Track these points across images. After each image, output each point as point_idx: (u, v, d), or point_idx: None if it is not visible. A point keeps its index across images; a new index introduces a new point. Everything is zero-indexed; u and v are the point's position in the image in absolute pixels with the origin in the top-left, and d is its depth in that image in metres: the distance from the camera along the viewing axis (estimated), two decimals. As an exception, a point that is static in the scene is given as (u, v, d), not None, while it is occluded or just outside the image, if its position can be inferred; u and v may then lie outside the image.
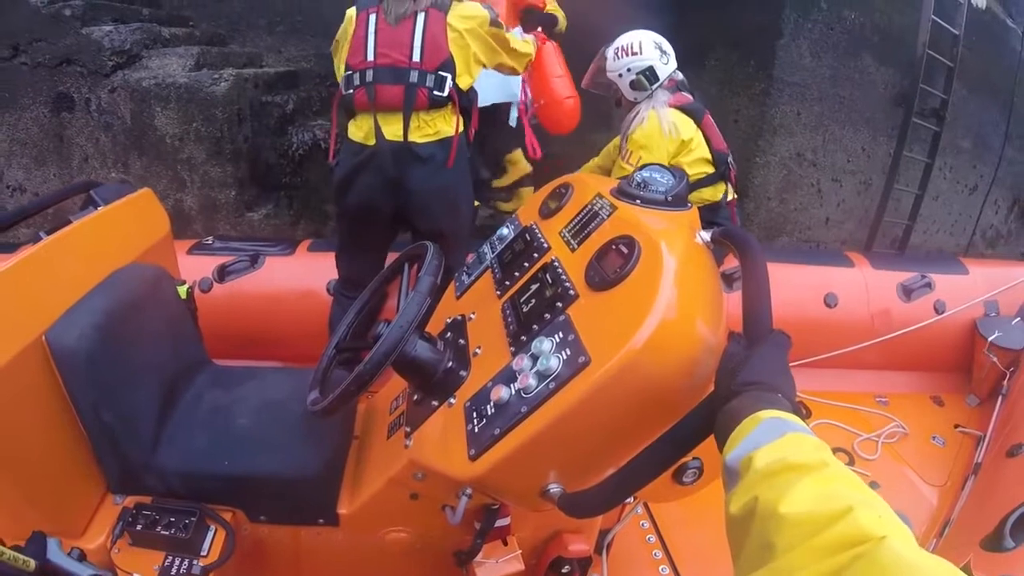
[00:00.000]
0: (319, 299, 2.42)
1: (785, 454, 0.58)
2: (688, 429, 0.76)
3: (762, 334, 0.78)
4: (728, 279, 2.48)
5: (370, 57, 1.95)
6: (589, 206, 1.25)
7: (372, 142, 1.98)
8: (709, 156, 2.31)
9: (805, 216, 3.73)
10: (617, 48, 2.33)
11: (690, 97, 2.35)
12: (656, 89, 2.30)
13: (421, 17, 1.94)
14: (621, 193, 1.22)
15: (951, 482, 2.17)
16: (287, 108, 3.16)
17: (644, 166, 1.29)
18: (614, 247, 1.02)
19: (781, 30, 3.30)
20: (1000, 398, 2.40)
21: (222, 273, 2.43)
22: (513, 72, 2.31)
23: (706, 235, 1.05)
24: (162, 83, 3.03)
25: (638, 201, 1.18)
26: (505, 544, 1.28)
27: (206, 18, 4.27)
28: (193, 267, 2.38)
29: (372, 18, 1.98)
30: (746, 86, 3.46)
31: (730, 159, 2.41)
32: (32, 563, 1.00)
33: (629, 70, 2.29)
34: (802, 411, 0.69)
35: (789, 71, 3.37)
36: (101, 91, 3.19)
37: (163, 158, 3.07)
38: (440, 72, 1.94)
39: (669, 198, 1.17)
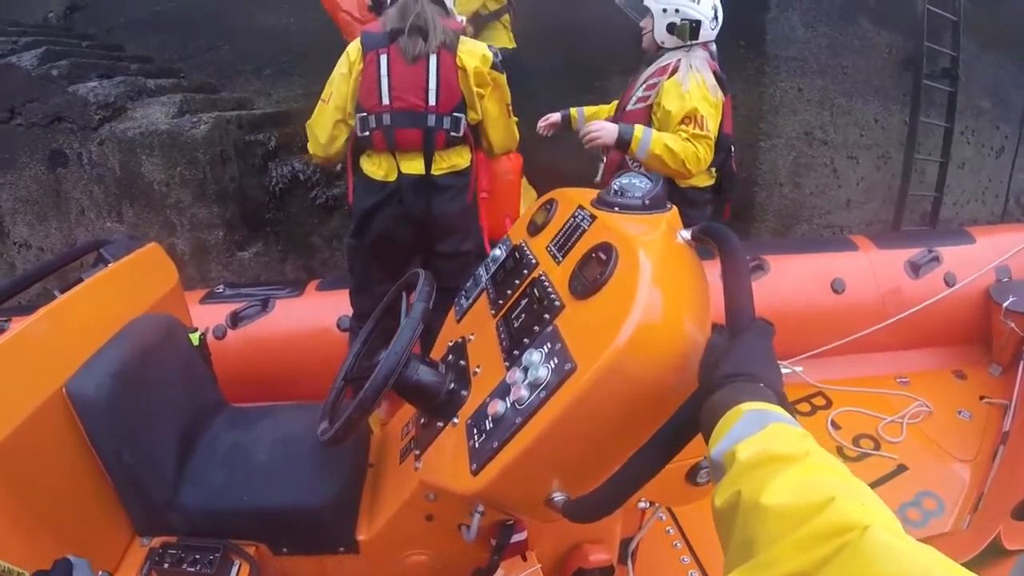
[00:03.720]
0: (330, 336, 2.57)
1: (767, 445, 0.60)
2: (676, 426, 0.81)
3: (744, 324, 0.83)
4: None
5: (385, 101, 2.06)
6: (571, 219, 1.34)
7: (392, 179, 2.14)
8: (715, 137, 2.28)
9: (823, 200, 3.69)
10: None
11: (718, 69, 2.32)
12: (692, 46, 2.25)
13: (433, 59, 2.05)
14: (600, 203, 1.31)
15: (981, 455, 2.22)
16: (270, 146, 3.35)
17: (621, 174, 1.37)
18: (594, 255, 1.10)
19: (767, 2, 3.30)
20: (1022, 363, 2.45)
21: (235, 319, 2.59)
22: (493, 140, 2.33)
23: (686, 233, 1.13)
24: (146, 131, 3.24)
25: (616, 208, 1.26)
26: (524, 559, 1.37)
27: (196, 68, 4.55)
28: (207, 315, 2.54)
29: (383, 59, 2.06)
30: (738, 67, 3.41)
31: (732, 148, 2.43)
32: (26, 574, 1.05)
33: (677, 11, 2.22)
34: (788, 402, 0.72)
35: (782, 46, 3.36)
36: (91, 144, 3.41)
37: (153, 204, 3.27)
38: (455, 113, 2.10)
39: (646, 202, 1.26)
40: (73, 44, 4.36)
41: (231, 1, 4.37)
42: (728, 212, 2.61)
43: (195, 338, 1.83)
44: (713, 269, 0.97)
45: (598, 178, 2.52)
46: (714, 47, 2.34)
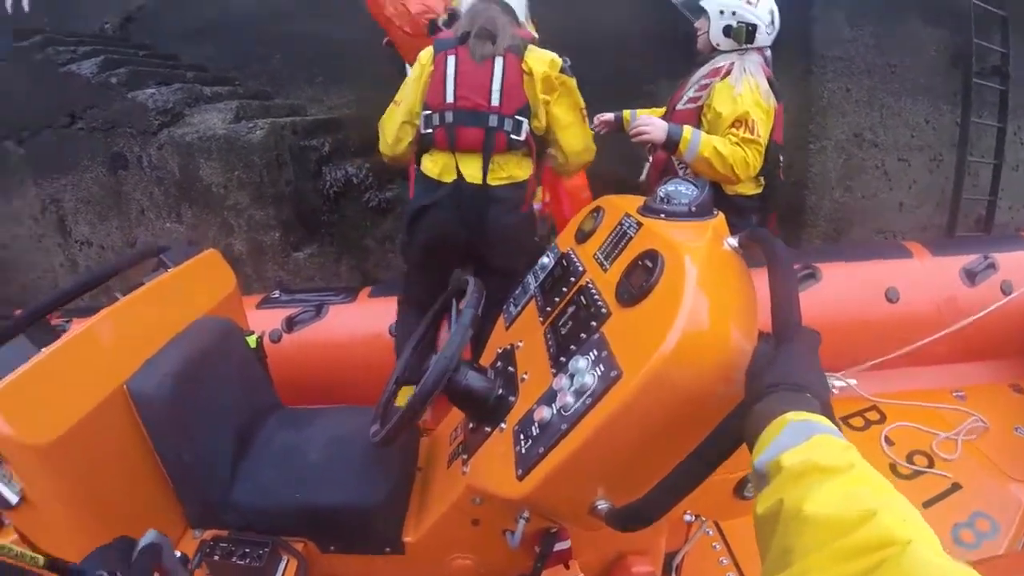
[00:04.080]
0: (382, 342, 2.61)
1: (812, 456, 0.60)
2: (721, 434, 0.81)
3: (790, 333, 0.83)
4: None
5: (449, 99, 2.09)
6: (618, 226, 1.35)
7: (448, 179, 2.14)
8: (766, 144, 2.25)
9: (875, 203, 3.61)
10: None
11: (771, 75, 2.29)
12: (747, 50, 2.22)
13: (500, 61, 2.08)
14: (647, 210, 1.31)
15: (1038, 475, 2.13)
16: (324, 151, 3.46)
17: (667, 180, 1.37)
18: (640, 262, 1.10)
19: (811, 1, 3.26)
20: (1085, 377, 2.35)
21: (290, 324, 2.67)
22: (562, 155, 2.29)
23: (733, 240, 1.13)
24: (203, 136, 3.37)
25: (663, 215, 1.26)
26: (567, 568, 1.37)
27: (250, 76, 4.73)
28: (264, 319, 2.62)
29: (451, 60, 2.11)
30: (784, 68, 3.31)
31: (782, 157, 2.37)
32: (40, 559, 1.08)
33: (734, 13, 2.19)
34: (833, 413, 0.71)
35: (828, 45, 3.30)
36: (151, 148, 3.58)
37: (211, 206, 3.40)
38: (517, 116, 2.09)
39: (693, 208, 1.26)
40: (130, 53, 4.59)
41: (283, 11, 4.50)
42: (773, 222, 2.55)
43: (252, 341, 1.89)
44: (761, 277, 0.97)
45: (643, 177, 2.50)
46: (769, 53, 2.31)
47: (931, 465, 2.22)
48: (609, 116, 2.51)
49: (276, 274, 3.33)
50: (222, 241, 3.39)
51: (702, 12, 2.26)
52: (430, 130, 2.13)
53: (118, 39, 5.16)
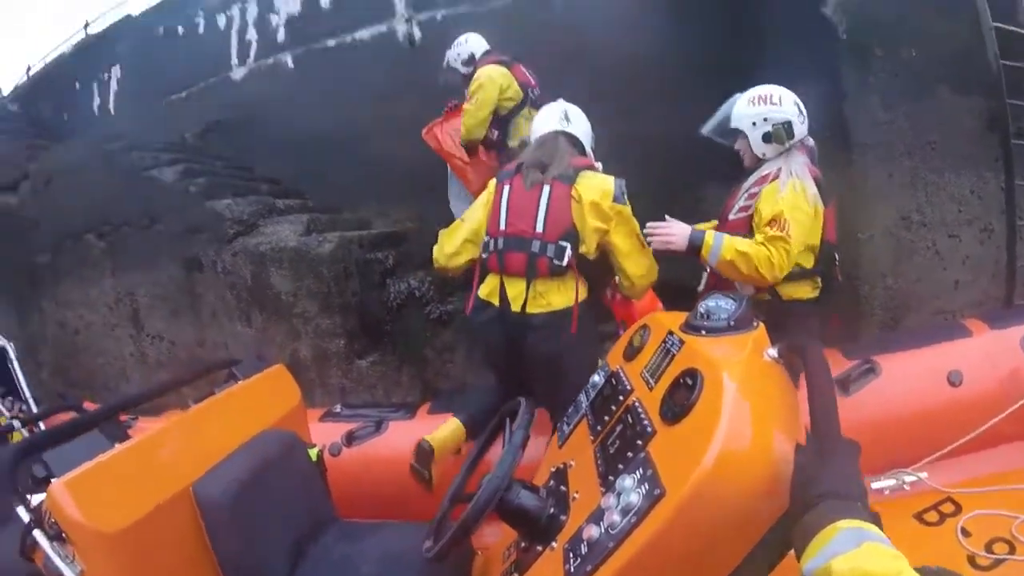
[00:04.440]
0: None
1: (862, 563, 0.64)
2: (769, 545, 0.84)
3: (831, 444, 0.87)
4: (844, 384, 2.41)
5: (502, 226, 2.23)
6: (663, 344, 1.41)
7: (496, 302, 2.25)
8: (817, 245, 2.25)
9: (929, 285, 3.53)
10: (753, 97, 2.29)
11: (819, 174, 2.29)
12: (792, 148, 2.25)
13: (547, 188, 2.19)
14: (688, 327, 1.38)
15: None
16: (388, 264, 3.71)
17: (707, 296, 1.43)
18: (682, 380, 1.15)
19: (844, 91, 3.32)
20: None
21: (350, 438, 2.74)
22: (629, 274, 2.32)
23: (773, 351, 1.18)
24: (276, 247, 3.65)
25: (703, 332, 1.32)
26: None
27: (321, 191, 5.14)
28: (324, 433, 2.70)
29: (506, 189, 2.27)
30: (826, 162, 3.25)
31: (837, 256, 2.34)
32: None
33: (765, 120, 2.24)
34: (879, 518, 0.75)
35: (866, 132, 3.33)
36: (225, 255, 3.88)
37: (280, 312, 3.63)
38: (561, 242, 2.16)
39: (732, 322, 1.32)
40: (209, 163, 5.06)
41: (352, 131, 4.91)
42: (836, 323, 2.53)
43: (313, 454, 1.98)
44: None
45: (701, 287, 2.50)
46: (811, 142, 2.35)
47: (1012, 551, 1.97)
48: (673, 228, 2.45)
49: (339, 381, 3.49)
50: (288, 346, 3.59)
51: (736, 132, 2.33)
52: (485, 255, 2.27)
53: (197, 148, 5.72)
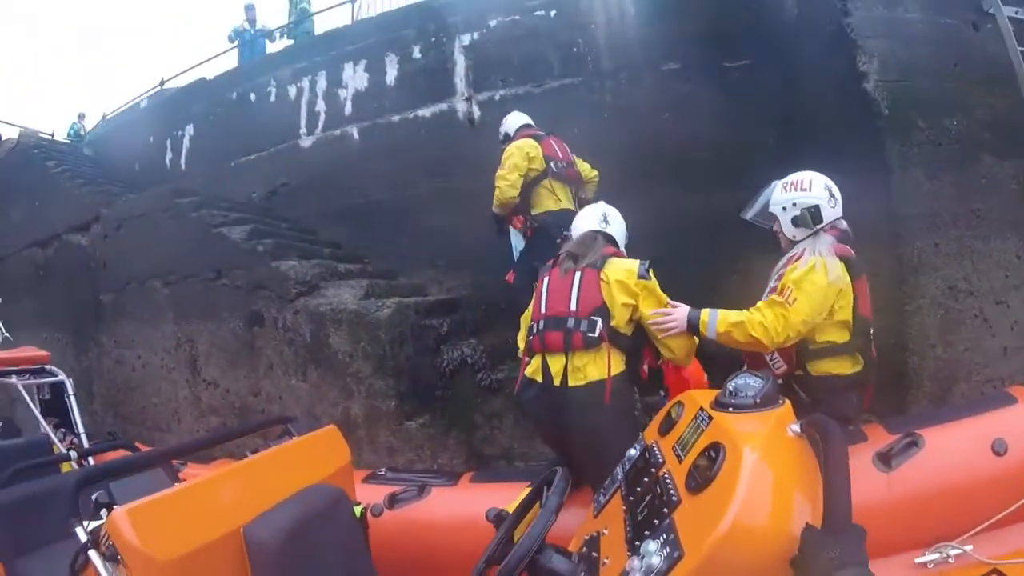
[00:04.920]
0: (479, 528, 2.54)
1: None
2: None
3: (841, 526, 0.95)
4: (886, 458, 2.38)
5: (543, 310, 2.49)
6: (694, 420, 1.47)
7: (539, 378, 2.44)
8: (850, 320, 2.28)
9: (978, 354, 3.51)
10: (787, 182, 2.43)
11: (851, 251, 2.35)
12: (819, 231, 2.33)
13: (578, 275, 2.45)
14: (718, 404, 1.44)
15: None
16: (442, 330, 3.92)
17: (735, 375, 1.53)
18: (706, 453, 1.23)
19: (889, 165, 3.41)
20: None
21: (392, 501, 2.82)
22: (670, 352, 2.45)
23: (796, 427, 1.27)
24: (336, 308, 3.90)
25: (731, 408, 1.40)
26: None
27: (380, 256, 5.44)
28: (368, 493, 2.79)
29: (546, 279, 2.57)
30: (873, 234, 3.32)
31: (872, 331, 2.37)
32: None
33: (795, 204, 2.36)
34: None
35: (912, 204, 3.41)
36: (287, 313, 4.15)
37: (335, 370, 3.84)
38: (592, 317, 2.36)
39: (758, 400, 1.38)
40: (275, 225, 5.41)
41: (411, 201, 5.28)
42: (869, 398, 2.56)
43: (357, 511, 2.10)
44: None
45: (746, 367, 2.56)
46: (844, 224, 2.42)
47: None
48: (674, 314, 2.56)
49: (388, 440, 3.63)
50: (341, 403, 3.78)
51: (772, 216, 2.48)
52: (530, 337, 2.51)
53: (263, 209, 6.08)
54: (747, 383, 1.46)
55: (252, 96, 6.70)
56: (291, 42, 8.12)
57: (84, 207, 6.35)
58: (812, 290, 2.20)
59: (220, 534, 1.55)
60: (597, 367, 2.36)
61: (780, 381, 2.22)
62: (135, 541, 1.39)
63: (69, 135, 11.07)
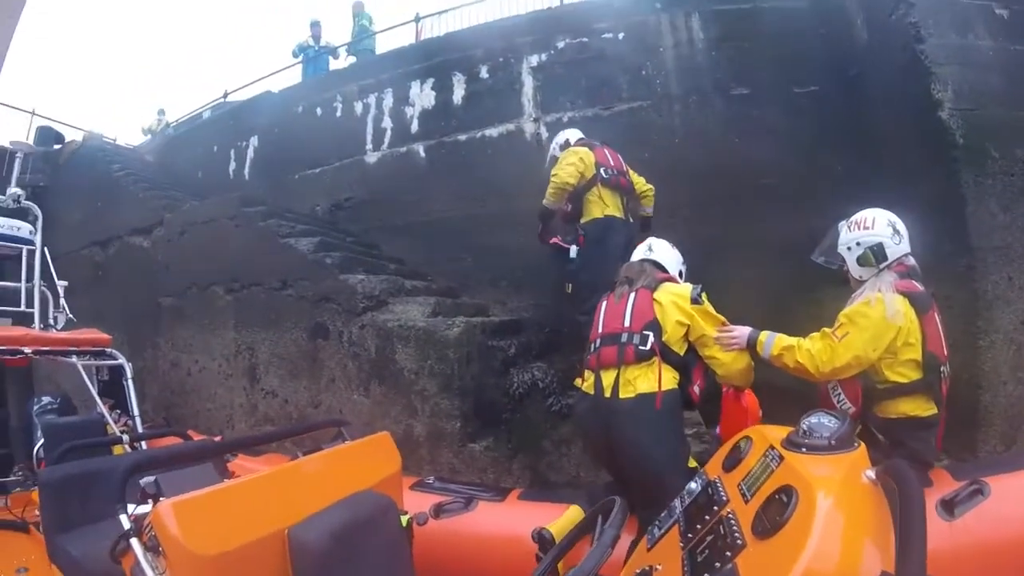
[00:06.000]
0: (523, 547, 2.58)
1: None
2: None
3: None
4: (949, 506, 2.30)
5: (599, 330, 2.64)
6: (763, 458, 1.42)
7: (591, 392, 2.54)
8: (920, 359, 2.23)
9: None
10: (851, 222, 2.44)
11: (919, 287, 2.32)
12: (884, 269, 2.33)
13: (632, 295, 2.61)
14: (790, 443, 1.38)
15: None
16: (509, 352, 3.88)
17: (810, 413, 1.47)
18: (777, 496, 1.18)
19: (964, 196, 3.35)
20: None
21: (438, 511, 2.80)
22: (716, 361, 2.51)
23: (871, 473, 1.21)
24: (404, 325, 3.89)
25: (803, 449, 1.34)
26: None
27: (442, 274, 5.46)
28: (414, 501, 2.74)
29: (603, 304, 2.72)
30: (948, 268, 3.33)
31: (945, 369, 2.29)
32: None
33: (858, 244, 2.37)
34: None
35: (987, 236, 3.34)
36: (352, 326, 4.15)
37: (399, 388, 3.82)
38: (644, 331, 2.49)
39: (833, 442, 1.34)
40: (340, 238, 5.45)
41: (473, 220, 5.30)
42: (940, 438, 2.46)
43: (404, 520, 2.06)
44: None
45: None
46: (912, 260, 2.40)
47: None
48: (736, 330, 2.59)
49: (450, 461, 3.58)
50: (404, 421, 3.73)
51: (840, 257, 2.49)
52: (588, 356, 2.63)
53: (327, 222, 6.15)
54: (822, 423, 1.42)
55: (318, 110, 6.82)
56: (353, 59, 8.30)
57: (148, 210, 6.48)
58: (865, 324, 2.19)
59: (264, 534, 1.54)
60: (648, 380, 2.42)
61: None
62: (178, 535, 1.40)
63: (145, 131, 11.18)
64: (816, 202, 2.88)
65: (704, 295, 2.53)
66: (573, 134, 4.21)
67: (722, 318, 2.52)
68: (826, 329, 2.27)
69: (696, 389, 2.56)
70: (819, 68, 4.58)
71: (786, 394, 2.61)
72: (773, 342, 2.36)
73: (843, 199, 2.63)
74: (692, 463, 2.57)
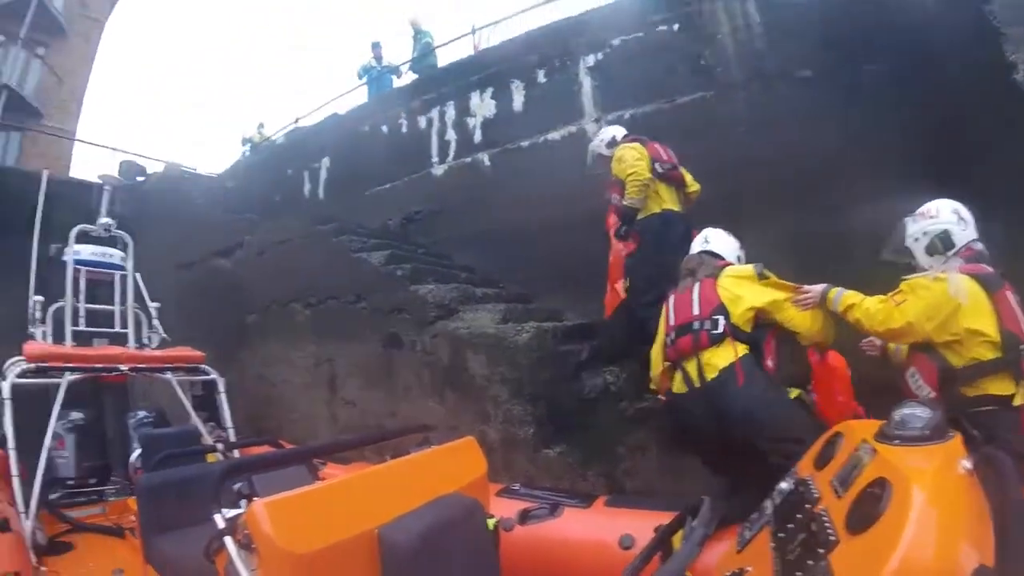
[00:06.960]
0: (611, 553, 2.55)
1: None
2: None
3: (1014, 568, 0.86)
4: None
5: (672, 323, 2.74)
6: (855, 452, 1.39)
7: (684, 389, 2.61)
8: (996, 338, 2.14)
9: None
10: (915, 214, 2.45)
11: (988, 268, 2.26)
12: (952, 256, 2.31)
13: (697, 286, 2.72)
14: (882, 436, 1.36)
15: None
16: (581, 356, 3.84)
17: (901, 404, 1.41)
18: (870, 490, 1.15)
19: None
20: None
21: (524, 516, 2.80)
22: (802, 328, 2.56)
23: (968, 463, 1.15)
24: (474, 332, 3.92)
25: (897, 441, 1.31)
26: None
27: (513, 281, 5.50)
28: (500, 507, 2.76)
29: (672, 298, 2.82)
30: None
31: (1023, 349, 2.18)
32: None
33: (925, 233, 2.38)
34: None
35: None
36: (425, 336, 4.21)
37: (472, 394, 3.85)
38: (713, 316, 2.58)
39: (926, 432, 1.30)
40: (411, 250, 5.57)
41: (543, 225, 5.29)
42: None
43: (491, 524, 2.08)
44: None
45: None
46: (980, 245, 2.36)
47: None
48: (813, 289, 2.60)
49: (524, 467, 3.56)
50: (477, 427, 3.71)
51: (908, 251, 2.45)
52: (667, 350, 2.75)
53: (399, 236, 6.31)
54: (914, 414, 1.38)
55: (384, 128, 7.03)
56: (415, 76, 8.52)
57: (228, 234, 6.81)
58: (924, 294, 2.20)
59: (355, 533, 1.58)
60: (723, 357, 2.51)
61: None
62: (271, 533, 1.43)
63: (244, 141, 11.65)
64: (900, 191, 2.69)
65: (766, 271, 2.64)
66: (619, 131, 4.21)
67: (793, 284, 2.60)
68: (889, 295, 2.29)
69: (769, 363, 2.59)
70: (883, 42, 4.26)
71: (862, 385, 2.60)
72: (841, 298, 2.42)
73: (924, 176, 2.58)
74: (794, 393, 2.66)
